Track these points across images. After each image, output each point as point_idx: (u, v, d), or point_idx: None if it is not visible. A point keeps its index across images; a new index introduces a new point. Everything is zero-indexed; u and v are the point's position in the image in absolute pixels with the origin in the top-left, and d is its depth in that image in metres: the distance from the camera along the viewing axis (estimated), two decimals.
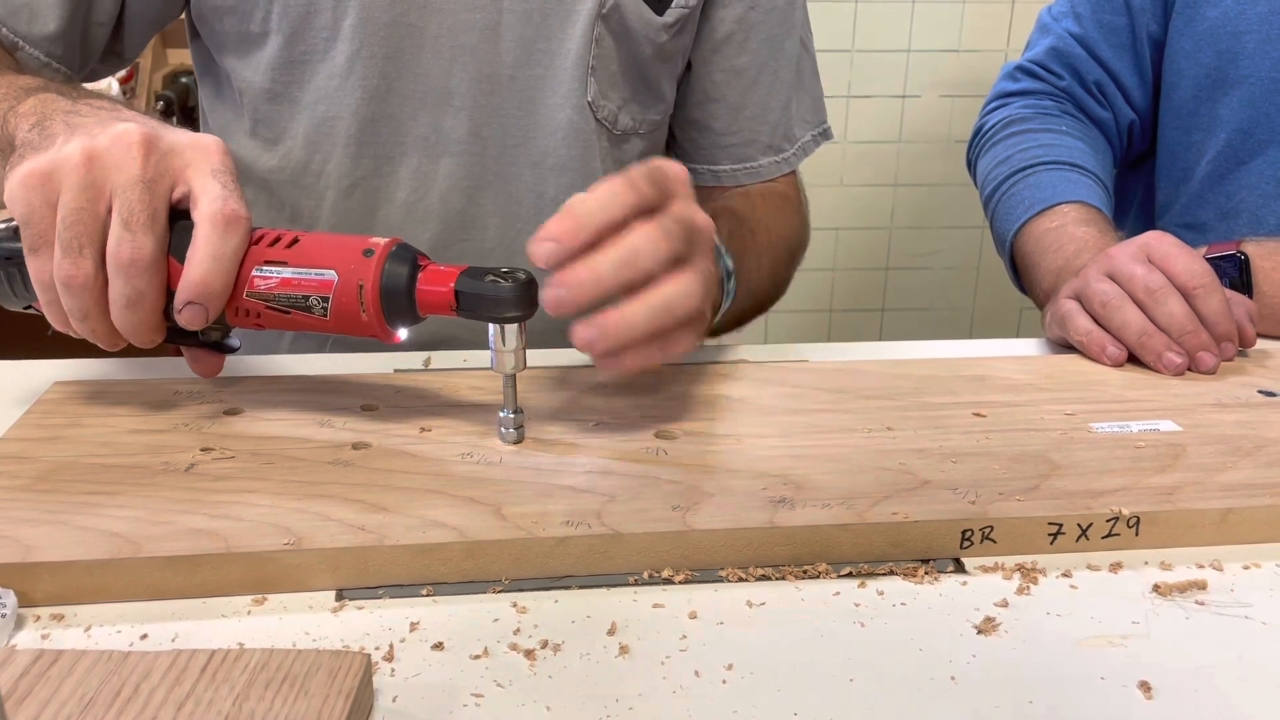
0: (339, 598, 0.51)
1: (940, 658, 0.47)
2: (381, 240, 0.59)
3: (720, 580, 0.53)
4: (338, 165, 0.87)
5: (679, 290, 0.59)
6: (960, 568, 0.54)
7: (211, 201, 0.57)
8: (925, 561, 0.55)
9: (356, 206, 0.88)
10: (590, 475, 0.58)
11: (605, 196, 0.57)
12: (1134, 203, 1.20)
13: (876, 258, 2.20)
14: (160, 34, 1.79)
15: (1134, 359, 0.77)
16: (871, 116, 2.11)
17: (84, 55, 0.83)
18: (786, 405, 0.68)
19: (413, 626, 0.49)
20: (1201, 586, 0.53)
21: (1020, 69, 1.17)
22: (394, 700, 0.44)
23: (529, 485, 0.57)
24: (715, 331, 0.80)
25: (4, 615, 0.48)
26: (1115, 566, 0.55)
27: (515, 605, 0.51)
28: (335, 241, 0.59)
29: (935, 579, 0.53)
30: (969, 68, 2.09)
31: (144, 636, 0.48)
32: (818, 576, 0.53)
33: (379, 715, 0.43)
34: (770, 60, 0.93)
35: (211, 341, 0.65)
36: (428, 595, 0.51)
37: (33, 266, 0.58)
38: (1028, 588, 0.53)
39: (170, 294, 0.59)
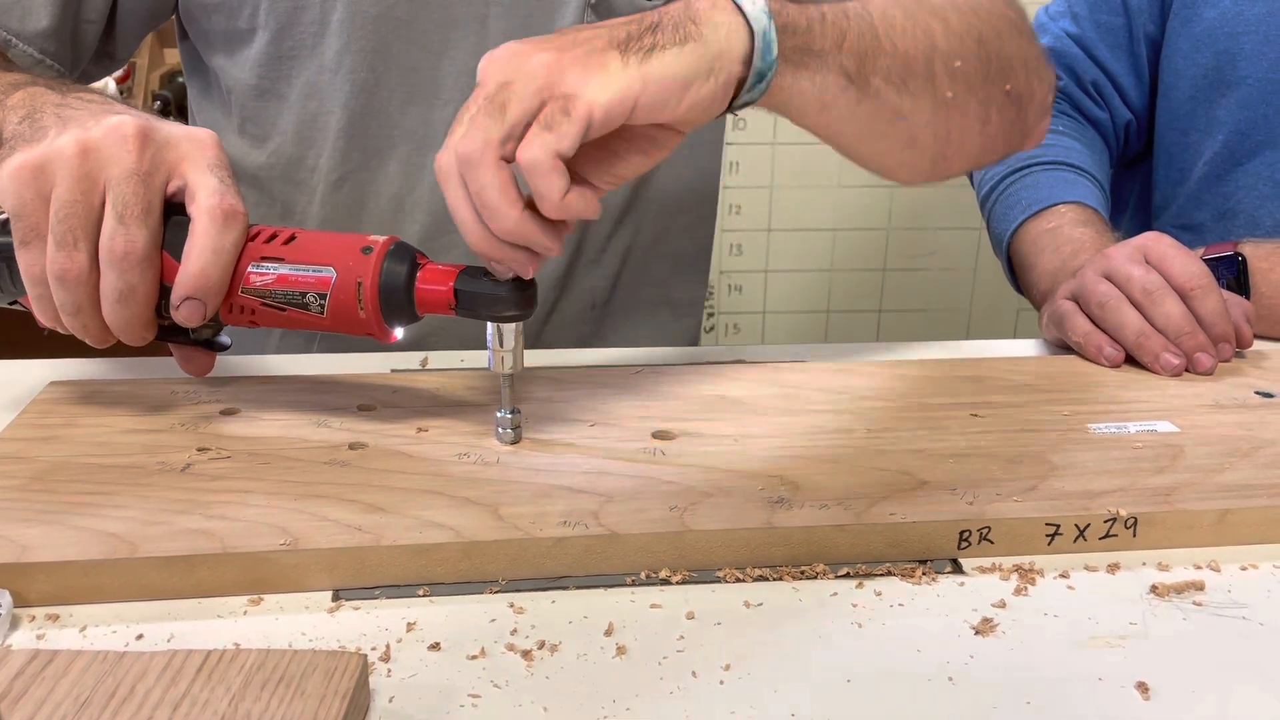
0: (335, 598, 0.51)
1: (938, 658, 0.47)
2: (380, 238, 0.59)
3: (718, 581, 0.53)
4: (328, 160, 0.86)
5: (527, 154, 0.53)
6: (958, 568, 0.54)
7: (209, 195, 0.57)
8: (923, 562, 0.55)
9: (346, 200, 0.88)
10: (588, 476, 0.58)
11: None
12: (1130, 203, 1.20)
13: (874, 259, 2.20)
14: (157, 33, 1.79)
15: (1131, 360, 0.77)
16: None
17: (75, 53, 0.83)
18: (784, 406, 0.68)
19: (409, 627, 0.49)
20: (1199, 587, 0.53)
21: None
22: (390, 701, 0.44)
23: (526, 485, 0.57)
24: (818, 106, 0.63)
25: None
26: (1113, 567, 0.55)
27: (512, 606, 0.51)
28: (333, 239, 0.59)
29: (933, 580, 0.53)
30: None
31: (140, 637, 0.48)
32: (815, 577, 0.53)
33: (375, 716, 0.43)
34: None
35: (202, 340, 0.64)
36: (424, 595, 0.51)
37: (23, 260, 0.57)
38: (1025, 588, 0.53)
39: (163, 290, 0.58)
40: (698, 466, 0.59)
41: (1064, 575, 0.54)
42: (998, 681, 0.46)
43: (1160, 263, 0.78)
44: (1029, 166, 1.04)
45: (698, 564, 0.53)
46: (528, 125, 0.53)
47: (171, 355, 0.66)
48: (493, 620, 0.50)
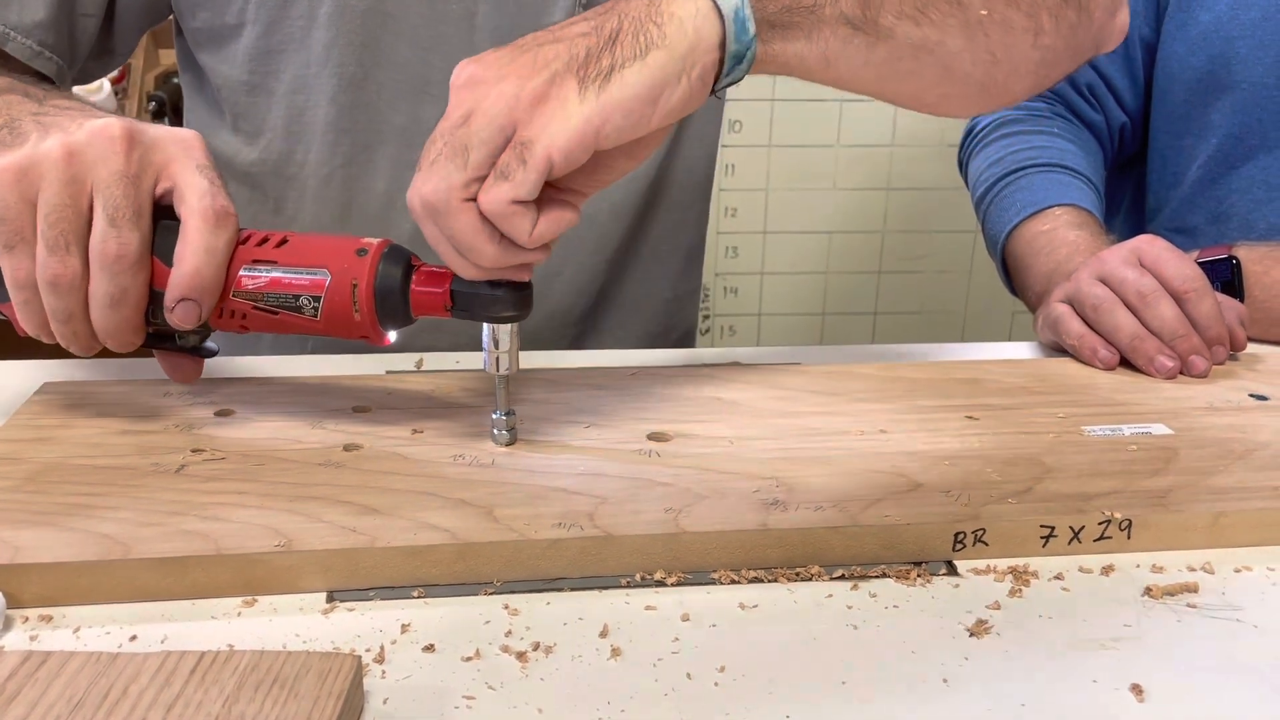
0: (330, 599, 0.51)
1: (933, 660, 0.47)
2: (373, 240, 0.59)
3: (713, 582, 0.53)
4: (317, 155, 0.86)
5: (490, 196, 0.52)
6: (953, 570, 0.54)
7: (200, 196, 0.57)
8: (918, 564, 0.55)
9: (336, 196, 0.87)
10: (583, 477, 0.58)
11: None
12: (1123, 206, 1.20)
13: (869, 261, 2.20)
14: (152, 34, 1.79)
15: (1126, 362, 0.77)
16: (864, 120, 2.11)
17: (74, 47, 0.83)
18: (779, 408, 0.68)
19: (404, 628, 0.49)
20: (1193, 589, 0.53)
21: None
22: (385, 702, 0.44)
23: (521, 487, 0.57)
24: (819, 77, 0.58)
25: None
26: (1107, 569, 0.55)
27: (507, 607, 0.50)
28: (325, 241, 0.59)
29: (928, 581, 0.53)
30: None
31: (133, 638, 0.48)
32: (810, 579, 0.53)
33: (369, 717, 0.43)
34: None
35: (190, 346, 0.64)
36: (419, 597, 0.51)
37: (7, 266, 0.57)
38: (1020, 590, 0.53)
39: (152, 295, 0.58)
40: (693, 468, 0.59)
41: (1059, 577, 0.54)
42: (992, 683, 0.46)
43: (1155, 266, 0.78)
44: (1024, 168, 1.04)
45: (693, 566, 0.53)
46: (492, 163, 0.53)
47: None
48: (487, 622, 0.49)
